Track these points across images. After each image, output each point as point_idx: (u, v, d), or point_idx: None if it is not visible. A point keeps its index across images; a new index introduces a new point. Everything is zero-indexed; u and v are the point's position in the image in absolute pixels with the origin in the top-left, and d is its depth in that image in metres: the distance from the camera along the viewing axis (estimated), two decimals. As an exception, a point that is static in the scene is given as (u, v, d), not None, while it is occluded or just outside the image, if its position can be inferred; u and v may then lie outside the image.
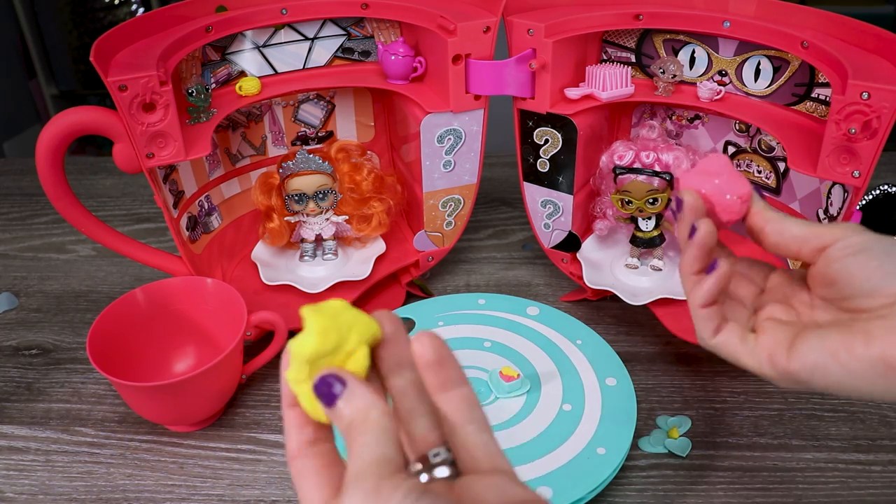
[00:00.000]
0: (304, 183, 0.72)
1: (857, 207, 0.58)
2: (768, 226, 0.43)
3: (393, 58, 0.71)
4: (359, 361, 0.32)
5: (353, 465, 0.31)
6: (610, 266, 0.75)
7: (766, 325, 0.43)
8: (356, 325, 0.33)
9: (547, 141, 0.70)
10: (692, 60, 0.69)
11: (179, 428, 0.64)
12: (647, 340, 0.73)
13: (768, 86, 0.67)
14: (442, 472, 0.33)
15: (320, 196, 0.72)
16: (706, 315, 0.43)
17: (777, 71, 0.66)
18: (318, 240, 0.76)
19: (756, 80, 0.67)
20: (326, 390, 0.32)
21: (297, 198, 0.72)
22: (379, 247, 0.78)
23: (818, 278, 0.42)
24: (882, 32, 0.58)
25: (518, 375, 0.62)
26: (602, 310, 0.78)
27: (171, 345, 0.68)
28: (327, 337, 0.32)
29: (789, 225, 0.42)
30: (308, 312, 0.32)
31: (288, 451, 0.34)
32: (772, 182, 0.71)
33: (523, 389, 0.62)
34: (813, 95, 0.65)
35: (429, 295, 0.80)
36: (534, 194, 0.74)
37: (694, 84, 0.69)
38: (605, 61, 0.73)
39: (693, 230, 0.42)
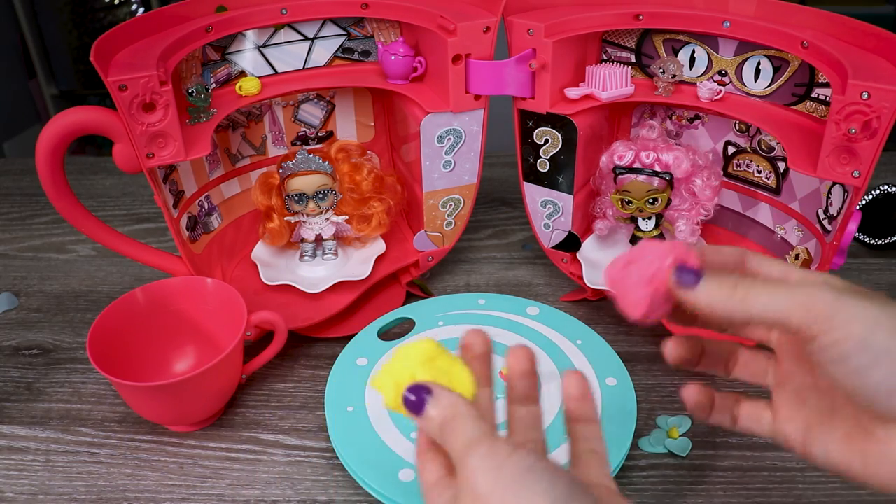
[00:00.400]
0: (304, 183, 0.72)
1: (857, 207, 0.58)
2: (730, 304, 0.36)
3: (393, 58, 0.71)
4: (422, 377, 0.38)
5: (458, 443, 0.34)
6: (610, 266, 0.75)
7: (783, 406, 0.41)
8: (404, 356, 0.38)
9: (547, 141, 0.70)
10: (692, 60, 0.69)
11: (179, 428, 0.64)
12: (647, 340, 0.73)
13: (768, 86, 0.67)
14: None
15: (320, 196, 0.72)
16: (713, 419, 0.45)
17: (777, 71, 0.66)
18: (318, 240, 0.76)
19: (756, 80, 0.67)
20: (416, 398, 0.36)
21: (297, 198, 0.72)
22: (379, 247, 0.78)
23: (819, 378, 0.39)
24: (882, 32, 0.58)
25: (518, 375, 0.62)
26: (602, 310, 0.78)
27: (171, 345, 0.68)
28: (385, 384, 0.38)
29: (758, 296, 0.34)
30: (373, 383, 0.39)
31: (423, 485, 0.38)
32: (772, 182, 0.71)
33: (523, 389, 0.62)
34: (813, 95, 0.65)
35: (429, 295, 0.80)
36: (534, 194, 0.74)
37: (694, 84, 0.69)
38: (605, 61, 0.73)
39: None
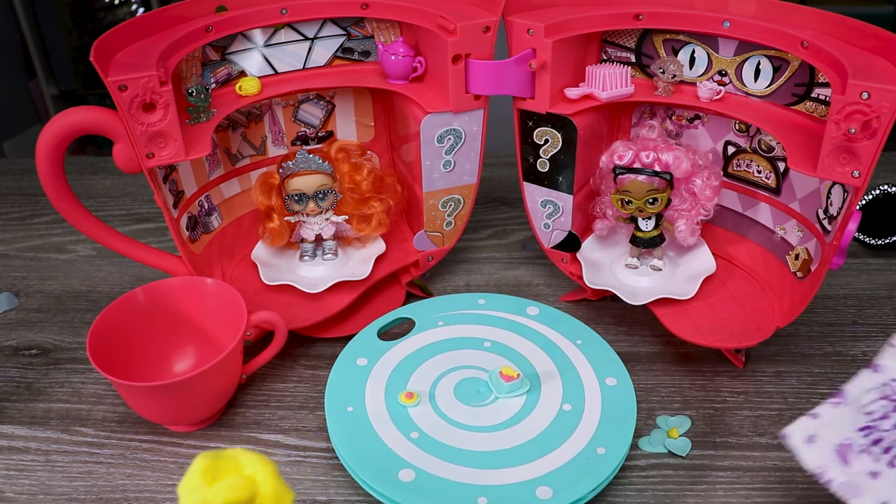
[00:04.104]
0: (304, 183, 0.72)
1: (857, 207, 0.58)
2: None
3: (393, 58, 0.71)
4: None
5: None
6: (610, 266, 0.75)
7: None
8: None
9: (547, 141, 0.70)
10: (692, 60, 0.69)
11: (179, 428, 0.64)
12: (647, 340, 0.73)
13: (768, 86, 0.67)
14: None
15: (320, 196, 0.72)
16: None
17: (777, 71, 0.66)
18: (318, 240, 0.76)
19: (756, 80, 0.67)
20: None
21: (297, 198, 0.72)
22: (379, 247, 0.78)
23: None
24: (882, 32, 0.58)
25: (518, 375, 0.62)
26: (602, 310, 0.78)
27: (171, 345, 0.68)
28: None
29: None
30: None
31: None
32: (772, 182, 0.71)
33: (523, 389, 0.62)
34: (813, 95, 0.65)
35: (429, 295, 0.80)
36: (534, 194, 0.74)
37: (694, 84, 0.69)
38: (605, 61, 0.73)
39: None
